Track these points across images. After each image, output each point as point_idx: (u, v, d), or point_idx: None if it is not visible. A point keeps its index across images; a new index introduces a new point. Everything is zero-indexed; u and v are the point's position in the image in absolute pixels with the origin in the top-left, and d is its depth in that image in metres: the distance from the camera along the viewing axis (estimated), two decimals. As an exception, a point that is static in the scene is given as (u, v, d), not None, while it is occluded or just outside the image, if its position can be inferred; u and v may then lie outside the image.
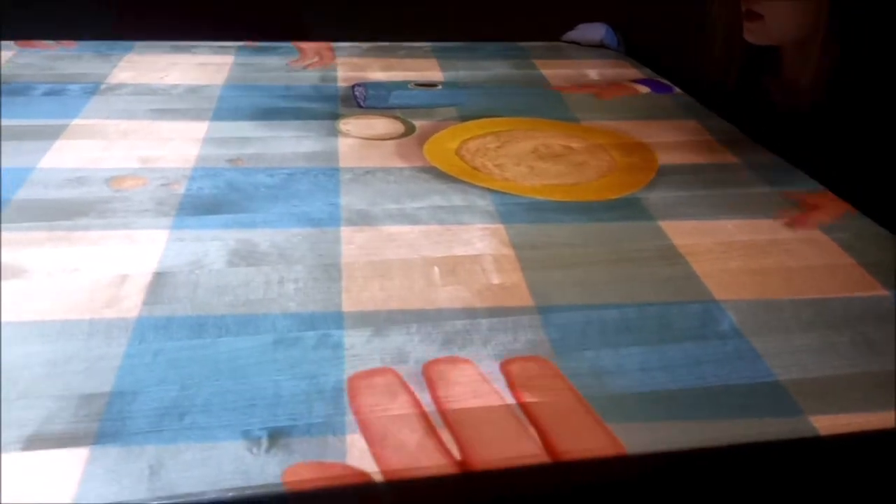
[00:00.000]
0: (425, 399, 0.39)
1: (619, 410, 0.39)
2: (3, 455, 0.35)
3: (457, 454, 0.36)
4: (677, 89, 0.89)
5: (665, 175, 0.67)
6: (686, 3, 0.93)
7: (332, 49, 0.99)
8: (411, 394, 0.40)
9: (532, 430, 0.38)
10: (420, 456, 0.36)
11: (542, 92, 0.87)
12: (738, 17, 0.78)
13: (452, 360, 0.42)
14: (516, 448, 0.37)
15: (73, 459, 0.35)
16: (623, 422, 0.38)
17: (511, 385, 0.41)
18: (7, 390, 0.39)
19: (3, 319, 0.44)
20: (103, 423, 0.37)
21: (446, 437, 0.37)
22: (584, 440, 0.37)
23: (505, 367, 0.42)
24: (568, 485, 0.37)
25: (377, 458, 0.35)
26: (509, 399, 0.40)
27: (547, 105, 0.83)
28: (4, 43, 0.92)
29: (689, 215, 0.60)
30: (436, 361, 0.42)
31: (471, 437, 0.37)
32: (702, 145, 0.74)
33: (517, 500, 0.38)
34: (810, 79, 0.74)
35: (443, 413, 0.38)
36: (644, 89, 0.89)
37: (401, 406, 0.39)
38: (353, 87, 0.85)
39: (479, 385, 0.41)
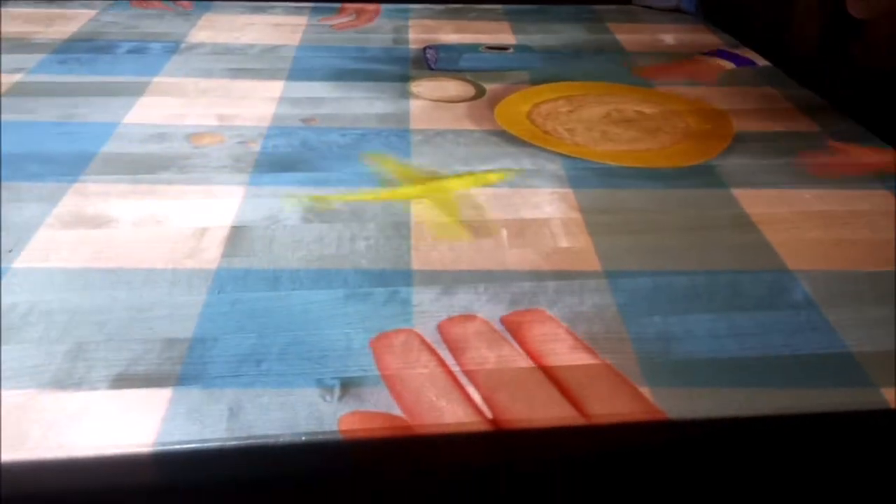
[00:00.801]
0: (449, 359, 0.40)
1: (685, 376, 0.39)
2: (92, 393, 0.37)
3: (488, 413, 0.37)
4: (761, 62, 0.86)
5: (741, 142, 0.65)
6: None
7: (377, 10, 0.99)
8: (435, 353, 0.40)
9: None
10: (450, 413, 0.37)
11: (615, 57, 0.86)
12: None
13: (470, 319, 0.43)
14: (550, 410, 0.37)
15: (158, 399, 0.37)
16: (688, 387, 0.39)
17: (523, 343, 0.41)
18: (95, 333, 0.41)
19: (89, 265, 0.46)
20: (185, 366, 0.39)
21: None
22: (616, 404, 0.38)
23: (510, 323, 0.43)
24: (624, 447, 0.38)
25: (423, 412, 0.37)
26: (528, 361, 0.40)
27: (620, 70, 0.82)
28: (108, 2, 0.95)
29: (765, 184, 0.58)
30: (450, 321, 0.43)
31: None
32: (781, 113, 0.72)
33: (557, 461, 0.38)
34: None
35: (469, 373, 0.39)
36: (728, 65, 0.86)
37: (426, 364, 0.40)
38: (425, 49, 0.85)
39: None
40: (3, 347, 0.39)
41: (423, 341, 0.41)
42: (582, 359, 0.40)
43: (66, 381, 0.38)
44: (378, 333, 0.41)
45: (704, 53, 0.88)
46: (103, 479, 0.35)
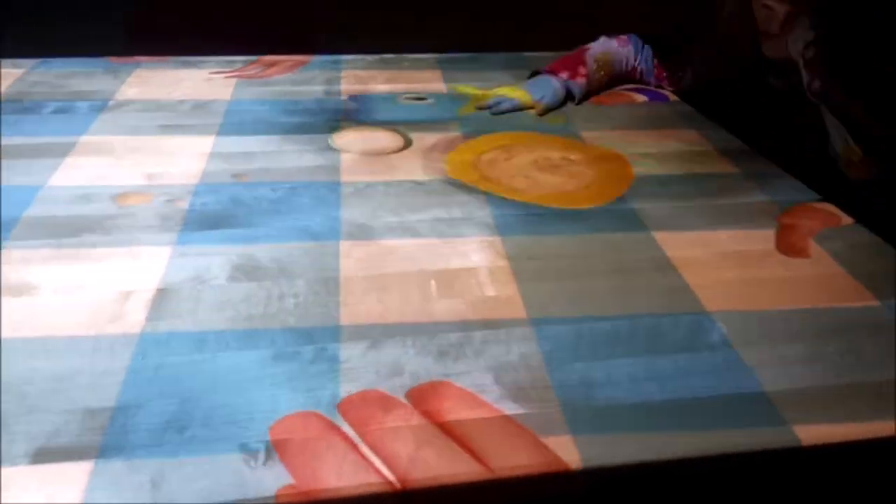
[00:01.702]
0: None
1: (606, 422, 0.40)
2: (12, 469, 0.36)
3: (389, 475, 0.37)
4: (673, 97, 0.90)
5: (662, 185, 0.67)
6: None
7: (295, 63, 1.00)
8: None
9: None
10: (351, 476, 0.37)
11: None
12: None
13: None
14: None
15: (78, 472, 0.36)
16: (609, 433, 0.39)
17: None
18: (16, 405, 0.40)
19: (11, 336, 0.45)
20: (107, 436, 0.38)
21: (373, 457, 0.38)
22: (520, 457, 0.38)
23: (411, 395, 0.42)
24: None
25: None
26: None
27: (546, 117, 0.84)
28: (35, 61, 0.94)
29: (685, 226, 0.60)
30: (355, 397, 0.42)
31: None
32: (701, 155, 0.75)
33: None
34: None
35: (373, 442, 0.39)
36: (641, 98, 0.90)
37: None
38: (349, 100, 0.86)
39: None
40: (-84, 426, 0.38)
41: (327, 419, 0.41)
42: (484, 414, 0.41)
43: (-17, 457, 0.37)
44: (282, 417, 0.40)
45: (625, 89, 0.92)
46: (21, 560, 0.34)
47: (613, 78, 0.92)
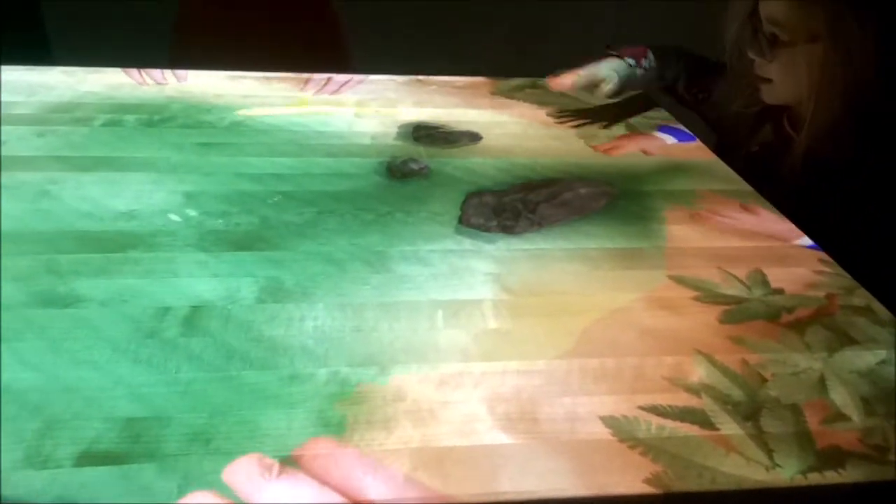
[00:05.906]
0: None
1: (594, 455, 0.45)
2: (59, 470, 0.42)
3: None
4: (697, 141, 0.93)
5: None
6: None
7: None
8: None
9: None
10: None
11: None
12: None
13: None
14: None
15: (115, 476, 0.42)
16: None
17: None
18: (63, 410, 0.46)
19: (63, 345, 0.51)
20: (141, 444, 0.44)
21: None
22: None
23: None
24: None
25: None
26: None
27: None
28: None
29: (681, 267, 0.65)
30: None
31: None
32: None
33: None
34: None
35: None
36: (670, 139, 0.93)
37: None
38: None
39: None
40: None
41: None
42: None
43: (34, 458, 0.42)
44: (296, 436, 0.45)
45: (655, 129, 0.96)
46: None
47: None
